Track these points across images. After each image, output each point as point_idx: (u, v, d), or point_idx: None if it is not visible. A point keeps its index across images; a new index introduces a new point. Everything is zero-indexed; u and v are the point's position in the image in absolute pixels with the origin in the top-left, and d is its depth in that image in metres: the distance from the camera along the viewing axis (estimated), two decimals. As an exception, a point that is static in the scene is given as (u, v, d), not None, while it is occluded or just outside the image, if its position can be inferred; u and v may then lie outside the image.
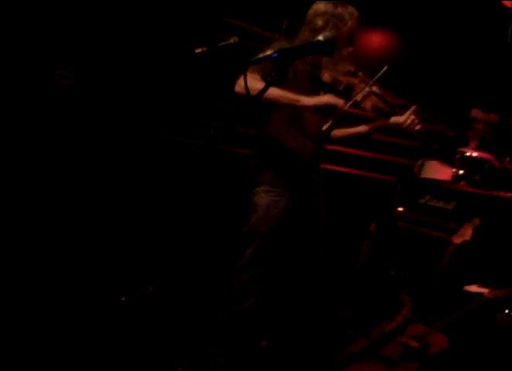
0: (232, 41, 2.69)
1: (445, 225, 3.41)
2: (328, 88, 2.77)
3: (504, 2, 3.68)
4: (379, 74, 2.69)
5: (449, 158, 3.53)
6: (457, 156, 3.50)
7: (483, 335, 2.95)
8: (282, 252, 2.83)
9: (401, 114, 2.76)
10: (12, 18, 3.88)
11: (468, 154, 3.46)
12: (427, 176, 3.65)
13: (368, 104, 2.72)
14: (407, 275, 3.51)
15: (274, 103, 2.67)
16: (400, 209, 3.70)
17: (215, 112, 4.12)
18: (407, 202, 3.70)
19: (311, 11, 2.78)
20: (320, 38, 2.01)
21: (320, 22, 2.71)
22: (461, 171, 3.48)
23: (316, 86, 2.76)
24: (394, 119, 2.78)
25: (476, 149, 3.46)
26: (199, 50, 2.64)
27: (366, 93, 2.70)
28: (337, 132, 2.95)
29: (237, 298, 2.79)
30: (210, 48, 2.62)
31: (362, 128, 2.93)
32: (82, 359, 2.74)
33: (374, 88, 2.71)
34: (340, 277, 3.46)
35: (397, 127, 2.78)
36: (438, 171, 3.61)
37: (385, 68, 2.67)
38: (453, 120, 2.99)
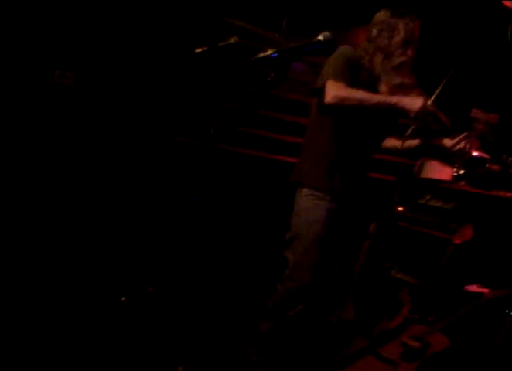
0: (232, 41, 2.68)
1: (445, 225, 3.41)
2: None
3: (504, 2, 3.68)
4: (437, 91, 2.68)
5: (449, 158, 3.53)
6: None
7: (483, 335, 2.95)
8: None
9: (452, 136, 2.80)
10: (12, 18, 3.88)
11: (468, 154, 3.46)
12: (427, 176, 3.65)
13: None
14: (407, 275, 3.51)
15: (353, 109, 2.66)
16: (400, 209, 3.70)
17: (215, 112, 4.12)
18: (407, 202, 3.70)
19: (372, 21, 2.80)
20: (320, 38, 2.01)
21: (375, 31, 2.75)
22: (461, 171, 3.48)
23: None
24: (445, 141, 2.81)
25: (477, 149, 3.47)
26: (199, 50, 2.63)
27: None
28: (388, 143, 2.98)
29: (284, 306, 2.74)
30: (210, 48, 2.62)
31: (413, 143, 2.91)
32: (82, 358, 2.74)
33: (431, 106, 2.69)
34: (340, 277, 3.46)
35: (446, 149, 2.81)
36: (438, 171, 3.61)
37: (441, 86, 2.67)
38: (453, 120, 2.99)
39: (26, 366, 2.61)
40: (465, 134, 2.79)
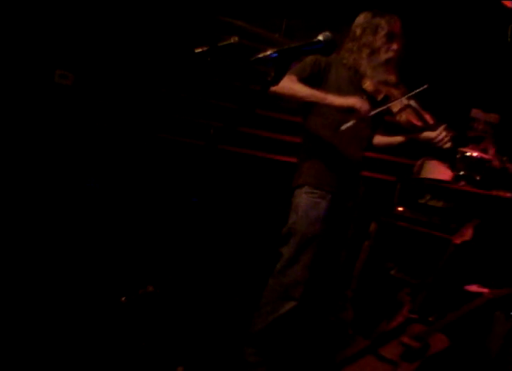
0: (232, 41, 2.68)
1: (445, 225, 3.41)
2: (367, 96, 2.79)
3: (504, 2, 3.68)
4: (418, 90, 2.70)
5: (450, 158, 3.54)
6: (457, 156, 3.50)
7: (483, 335, 2.95)
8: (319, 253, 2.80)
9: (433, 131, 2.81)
10: (12, 18, 3.88)
11: (468, 154, 3.47)
12: (427, 176, 3.65)
13: (403, 117, 2.74)
14: (407, 275, 3.51)
15: (315, 104, 2.72)
16: (400, 209, 3.70)
17: (215, 112, 4.12)
18: (407, 202, 3.70)
19: (353, 23, 2.86)
20: (320, 38, 2.01)
21: (358, 31, 2.81)
22: (461, 172, 3.48)
23: (359, 93, 2.78)
24: (426, 134, 2.81)
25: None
26: (199, 50, 2.63)
27: (404, 105, 2.72)
28: (375, 140, 3.01)
29: (276, 303, 2.74)
30: (210, 48, 2.62)
31: (397, 139, 2.96)
32: (82, 359, 2.74)
33: (412, 102, 2.72)
34: (341, 276, 3.46)
35: (429, 141, 2.81)
36: (438, 171, 3.61)
37: (425, 86, 2.68)
38: (453, 120, 2.99)
39: (26, 366, 2.61)
40: (444, 125, 2.79)
